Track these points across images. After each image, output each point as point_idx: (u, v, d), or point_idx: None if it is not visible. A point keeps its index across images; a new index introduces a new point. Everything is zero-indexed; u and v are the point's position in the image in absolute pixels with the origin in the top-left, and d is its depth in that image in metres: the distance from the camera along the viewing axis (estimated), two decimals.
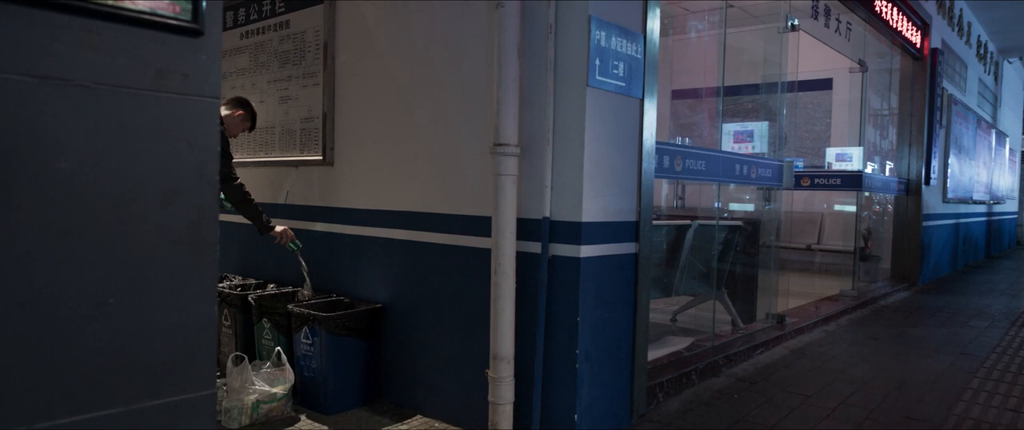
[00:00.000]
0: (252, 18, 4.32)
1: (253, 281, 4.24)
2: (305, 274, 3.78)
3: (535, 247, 2.92)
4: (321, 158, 3.85)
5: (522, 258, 2.93)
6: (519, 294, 2.92)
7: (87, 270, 1.21)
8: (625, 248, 3.07)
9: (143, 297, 1.29)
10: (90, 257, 1.21)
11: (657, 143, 3.26)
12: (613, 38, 2.90)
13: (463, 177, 3.19)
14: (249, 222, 3.67)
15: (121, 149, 1.26)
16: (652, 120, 3.17)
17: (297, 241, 3.77)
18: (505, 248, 2.88)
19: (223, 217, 4.55)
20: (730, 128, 7.34)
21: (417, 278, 3.42)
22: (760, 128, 8.09)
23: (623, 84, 2.99)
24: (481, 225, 3.07)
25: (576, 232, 2.82)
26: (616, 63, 2.93)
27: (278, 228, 3.68)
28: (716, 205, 5.06)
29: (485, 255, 3.00)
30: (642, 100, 3.11)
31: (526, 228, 2.93)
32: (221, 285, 4.10)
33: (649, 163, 3.16)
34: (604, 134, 2.90)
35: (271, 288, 4.07)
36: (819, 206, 9.59)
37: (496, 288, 2.89)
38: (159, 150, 1.31)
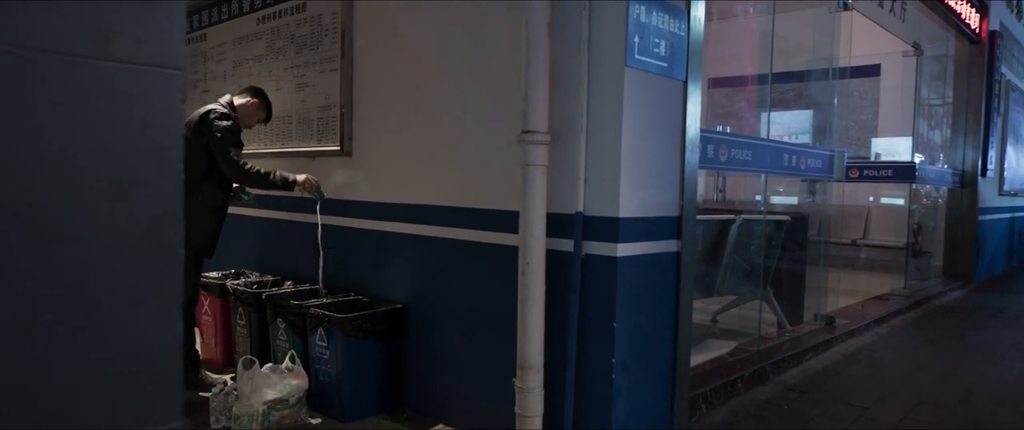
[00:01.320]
0: (268, 2, 4.11)
1: (270, 278, 4.05)
2: (321, 251, 3.57)
3: (567, 245, 2.65)
4: (339, 148, 3.62)
5: (552, 257, 2.67)
6: (549, 297, 2.66)
7: (13, 280, 0.97)
8: (666, 246, 2.79)
9: (88, 313, 1.05)
10: (18, 263, 0.98)
11: (701, 130, 2.96)
12: (653, 13, 2.61)
13: (489, 168, 2.94)
14: (269, 208, 3.47)
15: (56, 130, 1.01)
16: (697, 104, 2.87)
17: (321, 190, 3.57)
18: (534, 246, 2.61)
19: (239, 210, 4.37)
20: (773, 117, 6.97)
21: (439, 277, 3.18)
22: (802, 118, 7.70)
23: (664, 64, 2.69)
24: (508, 220, 2.82)
25: (612, 229, 2.55)
26: (657, 41, 2.65)
27: (300, 178, 3.48)
28: (758, 198, 4.75)
29: (512, 253, 2.74)
30: (685, 82, 2.81)
31: (557, 224, 2.67)
32: (236, 282, 3.91)
33: (693, 152, 2.87)
34: (643, 120, 2.61)
35: (288, 285, 3.87)
36: (864, 199, 9.14)
37: (524, 290, 2.63)
38: (106, 132, 1.07)
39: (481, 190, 2.97)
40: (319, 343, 3.22)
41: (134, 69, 1.10)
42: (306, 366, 3.29)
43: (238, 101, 3.46)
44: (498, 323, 2.89)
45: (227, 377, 3.53)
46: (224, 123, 3.27)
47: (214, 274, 4.14)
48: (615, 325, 2.55)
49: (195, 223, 3.26)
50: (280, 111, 4.05)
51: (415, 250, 3.28)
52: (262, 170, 3.35)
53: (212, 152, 3.25)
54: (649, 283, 2.71)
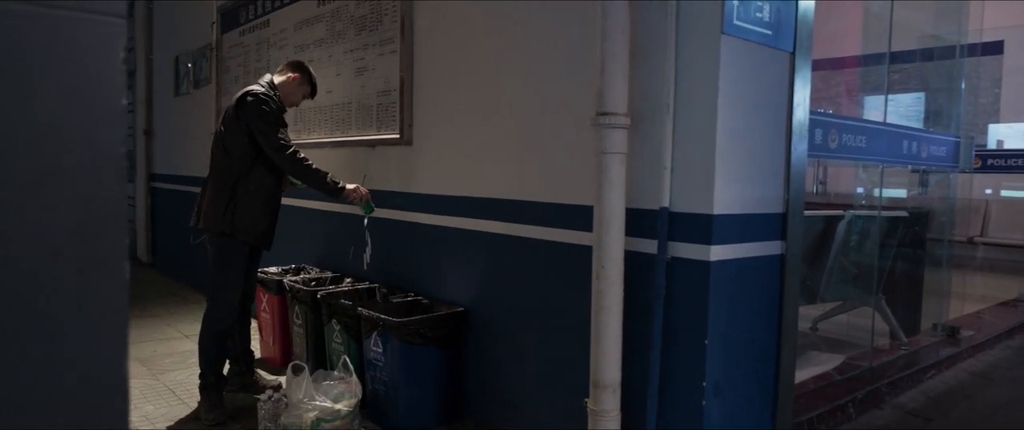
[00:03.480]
0: None
1: (330, 274, 3.83)
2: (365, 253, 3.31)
3: (649, 246, 2.27)
4: (398, 136, 3.35)
5: (632, 259, 2.30)
6: (628, 305, 2.29)
7: None
8: (768, 248, 2.36)
9: None
10: None
11: (810, 112, 2.51)
12: None
13: (559, 157, 2.58)
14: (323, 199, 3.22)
15: None
16: (806, 81, 2.42)
17: (372, 203, 3.29)
18: (610, 246, 2.25)
19: (301, 202, 4.18)
20: (872, 103, 6.27)
21: (504, 279, 2.86)
22: (909, 102, 6.94)
23: (768, 32, 2.26)
24: (580, 216, 2.46)
25: (705, 227, 2.15)
26: (760, 4, 2.22)
27: (350, 187, 3.20)
28: (859, 191, 4.19)
29: (586, 254, 2.38)
30: (793, 54, 2.37)
31: (638, 221, 2.29)
32: (294, 279, 3.72)
33: (801, 138, 2.42)
34: (743, 98, 2.20)
35: (347, 283, 3.64)
36: (981, 191, 8.22)
37: (598, 297, 2.27)
38: (13, 102, 0.77)
39: (551, 182, 2.62)
40: (374, 348, 2.96)
41: (55, 17, 0.80)
42: (361, 371, 3.04)
43: (278, 79, 3.23)
44: (570, 333, 2.54)
45: (281, 379, 3.34)
46: (264, 105, 3.03)
47: (273, 269, 3.97)
48: (707, 341, 2.16)
49: (247, 214, 3.05)
50: (340, 98, 3.82)
51: (478, 248, 2.97)
52: (312, 164, 3.09)
53: (255, 137, 3.03)
54: (748, 292, 2.30)
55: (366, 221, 3.38)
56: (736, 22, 2.13)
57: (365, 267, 3.35)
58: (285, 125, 3.13)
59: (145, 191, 7.10)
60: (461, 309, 3.02)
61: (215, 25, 5.29)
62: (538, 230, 2.68)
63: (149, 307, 5.23)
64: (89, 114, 0.81)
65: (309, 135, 4.12)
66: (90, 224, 0.82)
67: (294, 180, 3.33)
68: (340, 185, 3.15)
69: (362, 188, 3.23)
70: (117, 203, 0.85)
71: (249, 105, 3.00)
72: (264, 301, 3.85)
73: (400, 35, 3.31)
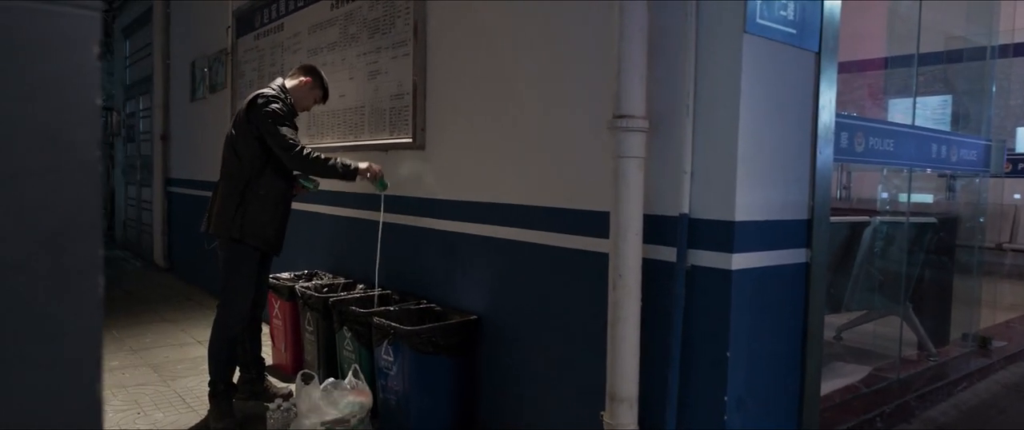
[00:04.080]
0: None
1: (342, 280, 3.78)
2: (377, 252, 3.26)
3: (668, 253, 2.19)
4: (411, 140, 3.29)
5: (650, 268, 2.21)
6: (646, 315, 2.20)
7: None
8: (792, 256, 2.27)
9: None
10: None
11: (837, 115, 2.41)
12: None
13: (575, 161, 2.51)
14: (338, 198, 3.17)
15: None
16: (832, 82, 2.33)
17: (384, 180, 3.25)
18: (627, 254, 2.17)
19: (314, 207, 4.14)
20: (894, 106, 6.12)
21: (518, 286, 2.78)
22: (933, 105, 6.77)
23: (793, 31, 2.17)
24: (596, 223, 2.38)
25: (726, 234, 2.06)
26: (784, 3, 2.13)
27: (362, 165, 3.15)
28: (883, 196, 4.07)
29: (602, 261, 2.30)
30: (819, 54, 2.27)
31: (656, 228, 2.21)
32: (306, 285, 3.67)
33: (827, 142, 2.33)
34: (766, 100, 2.11)
35: (359, 289, 3.59)
36: (1009, 197, 8.01)
37: (615, 307, 2.18)
38: None
39: (566, 187, 2.55)
40: (385, 356, 2.90)
41: (18, 4, 0.74)
42: (372, 380, 2.98)
43: (290, 83, 3.18)
44: (586, 343, 2.46)
45: (292, 387, 3.29)
46: (273, 105, 2.99)
47: (286, 275, 3.92)
48: (729, 354, 2.07)
49: (257, 218, 3.01)
50: (353, 102, 3.78)
51: (492, 255, 2.90)
52: (322, 156, 3.03)
53: (264, 140, 2.98)
54: (771, 302, 2.20)
55: (381, 219, 3.32)
56: (759, 21, 2.04)
57: (376, 278, 3.29)
58: (296, 128, 3.08)
59: (161, 196, 7.12)
60: (474, 317, 2.95)
61: (230, 29, 5.28)
62: (553, 236, 2.61)
63: (163, 312, 5.22)
64: (59, 113, 0.75)
65: (322, 139, 4.07)
66: (61, 233, 0.75)
67: (306, 183, 3.28)
68: (353, 167, 3.10)
69: (375, 166, 3.19)
70: (91, 210, 0.78)
71: (259, 107, 2.96)
72: (276, 307, 3.81)
73: (413, 37, 3.26)
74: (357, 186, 3.75)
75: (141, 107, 8.21)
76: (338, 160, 3.07)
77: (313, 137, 4.17)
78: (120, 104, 9.46)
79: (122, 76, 9.41)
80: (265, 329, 3.90)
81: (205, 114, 5.98)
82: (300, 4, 4.28)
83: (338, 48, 3.90)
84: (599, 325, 2.31)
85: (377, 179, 3.20)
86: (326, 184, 3.72)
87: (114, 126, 9.51)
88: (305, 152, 2.98)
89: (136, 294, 5.97)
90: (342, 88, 3.86)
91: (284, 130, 2.97)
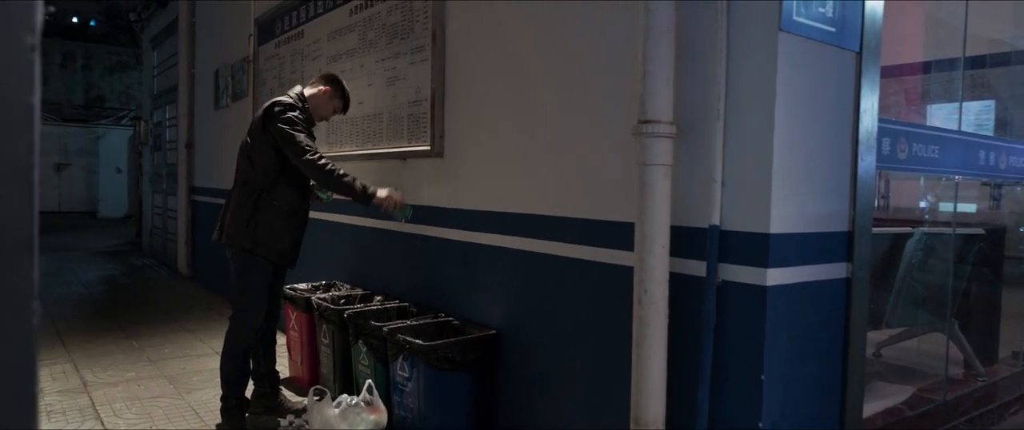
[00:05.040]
0: None
1: (360, 292, 3.69)
2: None
3: (697, 268, 2.05)
4: (429, 148, 3.19)
5: (678, 282, 2.07)
6: (673, 333, 2.06)
7: None
8: (832, 271, 2.11)
9: None
10: None
11: (879, 120, 2.25)
12: None
13: (598, 169, 2.38)
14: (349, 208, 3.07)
15: None
16: (874, 85, 2.17)
17: (408, 208, 3.09)
18: (653, 267, 2.03)
19: (332, 216, 4.06)
20: (941, 111, 5.87)
21: (539, 300, 2.66)
22: (972, 110, 6.50)
23: (832, 30, 2.03)
24: (621, 234, 2.25)
25: (760, 248, 1.91)
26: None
27: (382, 193, 2.99)
28: (923, 205, 3.86)
29: (626, 275, 2.17)
30: (860, 54, 2.12)
31: (684, 240, 2.07)
32: (323, 296, 3.58)
33: (869, 148, 2.17)
34: (803, 104, 1.96)
35: (377, 301, 3.49)
36: None
37: (640, 324, 2.05)
38: None
39: (589, 197, 2.42)
40: (400, 372, 2.79)
41: None
42: (388, 396, 2.88)
43: (309, 91, 3.10)
44: (610, 361, 2.33)
45: (307, 401, 3.19)
46: (290, 112, 2.91)
47: (303, 286, 3.85)
48: (764, 377, 1.92)
49: (269, 229, 2.92)
50: (371, 109, 3.69)
51: (511, 267, 2.78)
52: (341, 171, 2.92)
53: (280, 149, 2.90)
54: (809, 320, 2.05)
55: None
56: (796, 18, 1.90)
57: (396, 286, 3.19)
58: (313, 137, 3.00)
59: (186, 204, 7.13)
60: (493, 332, 2.83)
61: (252, 37, 5.25)
62: (575, 248, 2.48)
63: (183, 322, 5.19)
64: None
65: (341, 147, 4.00)
66: None
67: (321, 194, 3.20)
68: (371, 191, 2.96)
69: (395, 194, 3.04)
70: (22, 227, 0.68)
71: (275, 115, 2.89)
72: (293, 319, 3.73)
73: (431, 42, 3.16)
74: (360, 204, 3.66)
75: (168, 116, 8.27)
76: (357, 182, 2.94)
77: (332, 145, 4.10)
78: (148, 113, 9.56)
79: (150, 86, 9.51)
80: (281, 340, 3.83)
81: (228, 122, 5.96)
82: (319, 10, 4.23)
83: (357, 54, 3.83)
84: (624, 343, 2.17)
85: (399, 208, 3.06)
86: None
87: (142, 135, 9.61)
88: (322, 161, 2.88)
89: (158, 303, 5.96)
90: (361, 95, 3.78)
91: (300, 137, 2.88)
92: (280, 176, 2.94)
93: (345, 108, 3.22)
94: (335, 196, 3.25)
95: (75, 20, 17.46)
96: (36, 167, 0.71)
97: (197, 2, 6.96)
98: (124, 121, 15.42)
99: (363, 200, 2.97)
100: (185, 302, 5.98)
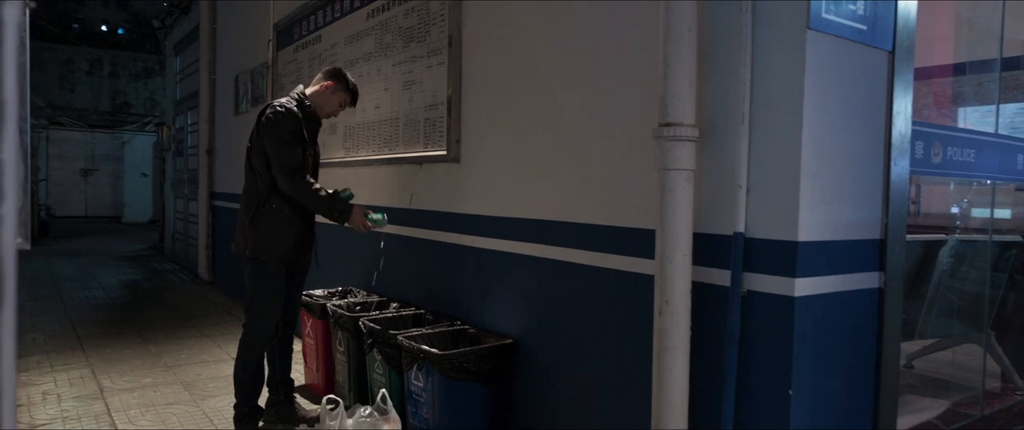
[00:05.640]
0: None
1: (376, 299, 3.64)
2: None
3: (721, 277, 1.96)
4: (445, 153, 3.14)
5: (701, 292, 1.99)
6: (696, 346, 1.98)
7: None
8: (864, 280, 2.01)
9: None
10: None
11: (913, 122, 2.15)
12: None
13: (617, 175, 2.31)
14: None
15: None
16: (908, 86, 2.07)
17: (377, 215, 2.98)
18: (675, 277, 1.95)
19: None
20: (974, 114, 5.69)
21: (557, 309, 2.59)
22: (1012, 111, 6.30)
23: (864, 28, 1.93)
24: (641, 242, 2.17)
25: (788, 257, 1.82)
26: None
27: (355, 215, 2.91)
28: (953, 211, 3.73)
29: (647, 284, 2.09)
30: (892, 54, 2.02)
31: (707, 248, 1.99)
32: (338, 303, 3.54)
33: (902, 152, 2.07)
34: (833, 105, 1.87)
35: (392, 308, 3.44)
36: None
37: (661, 335, 1.97)
38: None
39: (608, 202, 2.34)
40: (415, 381, 2.73)
41: None
42: (403, 406, 2.82)
43: (310, 90, 3.06)
44: (630, 373, 2.24)
45: (320, 409, 3.14)
46: (281, 120, 2.83)
47: (320, 292, 3.81)
48: (791, 392, 1.82)
49: (269, 235, 2.88)
50: (388, 114, 3.65)
51: (528, 274, 2.71)
52: (316, 187, 2.84)
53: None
54: (839, 332, 1.95)
55: (382, 243, 3.15)
56: (825, 16, 1.82)
57: (373, 283, 3.12)
58: (300, 141, 2.91)
59: (206, 209, 7.16)
60: (509, 341, 2.76)
61: (271, 42, 5.25)
62: (594, 256, 2.40)
63: (202, 327, 5.19)
64: None
65: (358, 152, 3.96)
66: None
67: (373, 218, 3.08)
68: (342, 208, 2.87)
69: (359, 218, 2.92)
70: None
71: (267, 121, 2.85)
72: (308, 325, 3.69)
73: (448, 45, 3.11)
74: (394, 200, 3.62)
75: (189, 122, 8.33)
76: (331, 201, 2.86)
77: (349, 151, 4.07)
78: (171, 119, 9.64)
79: (173, 92, 9.59)
80: (298, 346, 3.79)
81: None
82: (337, 14, 4.20)
83: (374, 58, 3.79)
84: (645, 355, 2.09)
85: (369, 227, 2.95)
86: (358, 198, 3.59)
87: (165, 141, 9.69)
88: (299, 177, 2.81)
89: (178, 308, 5.98)
90: (377, 99, 3.74)
91: (285, 147, 2.81)
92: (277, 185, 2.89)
93: (353, 101, 3.17)
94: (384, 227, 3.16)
95: (104, 28, 17.75)
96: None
97: (218, 8, 6.99)
98: (149, 127, 15.62)
99: (336, 219, 2.91)
100: (204, 307, 5.99)
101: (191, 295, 6.61)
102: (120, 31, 17.72)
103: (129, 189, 16.49)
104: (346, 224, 2.94)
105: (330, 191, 2.90)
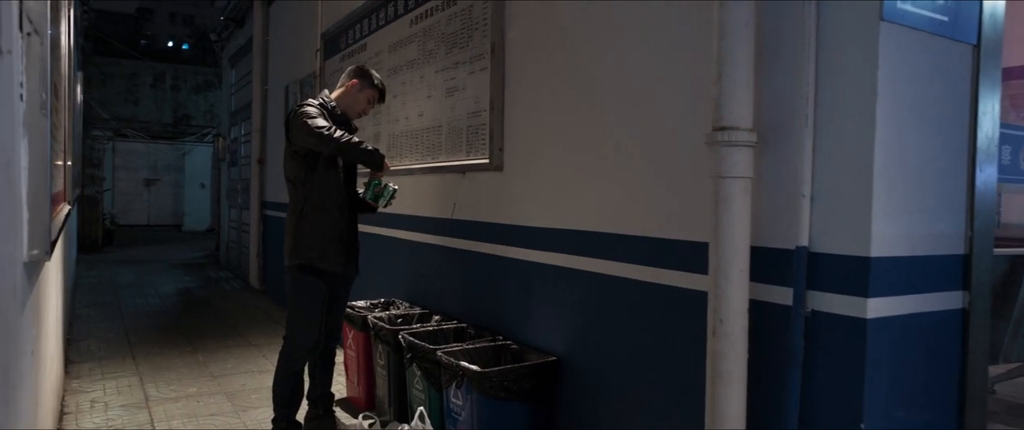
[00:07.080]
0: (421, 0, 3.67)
1: (418, 311, 3.55)
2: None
3: (782, 295, 1.79)
4: (487, 161, 3.03)
5: (760, 312, 1.82)
6: (754, 370, 1.81)
7: None
8: (946, 300, 1.80)
9: None
10: None
11: (1001, 125, 1.93)
12: None
13: (666, 182, 2.15)
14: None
15: None
16: (996, 84, 1.86)
17: (389, 187, 3.08)
18: (730, 294, 1.78)
19: (393, 232, 3.95)
20: None
21: (603, 326, 2.44)
22: None
23: (944, 19, 1.74)
24: (694, 255, 2.01)
25: (859, 274, 1.64)
26: None
27: (386, 160, 2.98)
28: None
29: (699, 301, 1.93)
30: (978, 48, 1.82)
31: (767, 263, 1.82)
32: (379, 315, 3.46)
33: (989, 157, 1.86)
34: (909, 105, 1.69)
35: (434, 321, 3.34)
36: None
37: (715, 359, 1.80)
38: None
39: (658, 213, 2.19)
40: (454, 400, 2.62)
41: None
42: (442, 424, 2.71)
43: (335, 92, 3.06)
44: (682, 397, 2.08)
45: (366, 422, 3.06)
46: (293, 113, 2.87)
47: (361, 303, 3.74)
48: (863, 425, 1.64)
49: (312, 242, 2.85)
50: (431, 121, 3.57)
51: (573, 288, 2.57)
52: (352, 138, 2.82)
53: (305, 158, 2.83)
54: (918, 358, 1.75)
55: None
56: (900, 6, 1.64)
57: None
58: (329, 120, 2.89)
59: (258, 218, 7.25)
60: (553, 358, 2.62)
61: (318, 52, 5.26)
62: (643, 270, 2.25)
63: (249, 336, 5.20)
64: None
65: (401, 161, 3.89)
66: None
67: (376, 197, 3.05)
68: (379, 159, 2.90)
69: (390, 167, 3.06)
70: None
71: (291, 120, 2.85)
72: (350, 337, 3.63)
73: (490, 51, 3.01)
74: (435, 210, 3.54)
75: (243, 132, 8.48)
76: (366, 147, 2.86)
77: (392, 160, 4.00)
78: (226, 130, 9.85)
79: (228, 103, 9.80)
80: (341, 358, 3.73)
81: None
82: (381, 22, 4.16)
83: (417, 66, 3.72)
84: (697, 378, 1.93)
85: (383, 193, 3.04)
86: (400, 207, 3.52)
87: (220, 151, 9.90)
88: (332, 133, 2.75)
89: (228, 316, 6.03)
90: (420, 107, 3.67)
91: (309, 123, 2.75)
92: (312, 187, 2.86)
93: (381, 98, 3.11)
94: (388, 208, 3.15)
95: (170, 44, 18.39)
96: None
97: (270, 20, 7.09)
98: (207, 138, 16.06)
99: (371, 161, 2.89)
100: (253, 316, 6.03)
101: (241, 303, 6.68)
102: (185, 46, 18.34)
103: (189, 198, 16.99)
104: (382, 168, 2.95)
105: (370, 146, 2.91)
